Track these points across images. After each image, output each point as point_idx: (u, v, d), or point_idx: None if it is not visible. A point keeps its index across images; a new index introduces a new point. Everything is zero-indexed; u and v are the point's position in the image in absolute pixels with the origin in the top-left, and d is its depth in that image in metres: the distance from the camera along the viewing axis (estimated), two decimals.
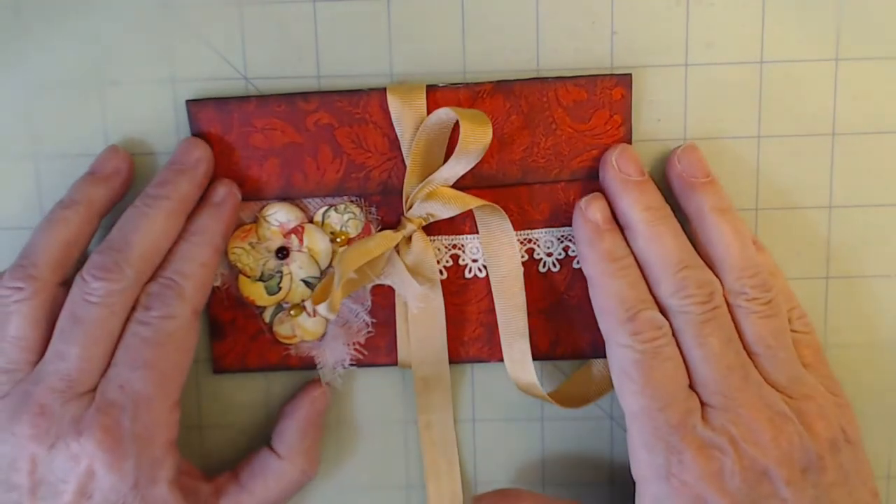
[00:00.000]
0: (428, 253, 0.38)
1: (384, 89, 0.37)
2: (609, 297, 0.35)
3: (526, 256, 0.39)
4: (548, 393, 0.38)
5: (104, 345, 0.35)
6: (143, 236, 0.35)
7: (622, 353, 0.35)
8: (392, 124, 0.37)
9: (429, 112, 0.36)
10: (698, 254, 0.36)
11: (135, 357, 0.34)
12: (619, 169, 0.36)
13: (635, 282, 0.35)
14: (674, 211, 0.36)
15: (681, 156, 0.37)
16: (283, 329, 0.39)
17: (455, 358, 0.39)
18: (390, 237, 0.37)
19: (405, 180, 0.37)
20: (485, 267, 0.39)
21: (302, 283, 0.38)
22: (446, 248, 0.39)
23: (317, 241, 0.38)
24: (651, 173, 0.38)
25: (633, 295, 0.35)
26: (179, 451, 0.36)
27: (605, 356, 0.39)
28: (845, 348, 0.40)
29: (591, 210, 0.36)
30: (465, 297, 0.39)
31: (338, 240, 0.38)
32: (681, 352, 0.35)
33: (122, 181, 0.38)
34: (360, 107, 0.37)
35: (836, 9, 0.37)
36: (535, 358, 0.38)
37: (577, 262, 0.39)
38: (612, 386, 0.39)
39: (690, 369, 0.35)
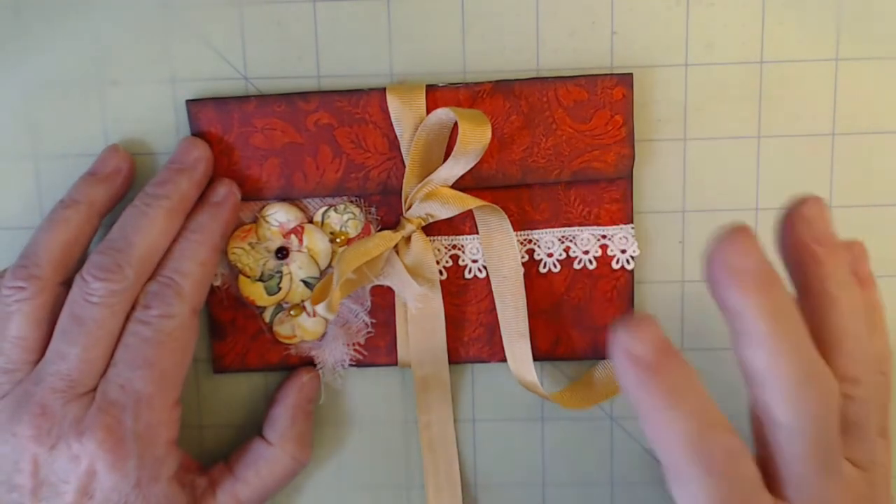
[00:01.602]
0: (427, 253, 0.38)
1: (384, 89, 0.37)
2: (671, 432, 0.29)
3: (526, 257, 0.39)
4: (550, 395, 0.38)
5: (104, 345, 0.35)
6: (144, 236, 0.35)
7: (695, 492, 0.29)
8: (392, 124, 0.37)
9: (428, 112, 0.36)
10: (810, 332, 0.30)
11: (135, 356, 0.35)
12: (732, 265, 0.28)
13: (701, 409, 0.29)
14: None
15: (809, 214, 0.30)
16: (283, 329, 0.39)
17: (455, 358, 0.39)
18: (389, 237, 0.37)
19: (404, 180, 0.37)
20: (485, 267, 0.39)
21: (302, 284, 0.39)
22: (446, 248, 0.39)
23: (316, 242, 0.38)
24: (649, 173, 0.38)
25: (703, 421, 0.29)
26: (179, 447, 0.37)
27: (604, 357, 0.39)
28: None
29: (637, 343, 0.28)
30: (465, 297, 0.39)
31: (337, 240, 0.38)
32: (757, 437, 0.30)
33: (123, 181, 0.38)
34: (360, 107, 0.37)
35: (836, 9, 0.37)
36: (535, 358, 0.38)
37: (578, 264, 0.39)
38: (615, 391, 0.39)
39: (772, 466, 0.30)
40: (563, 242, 0.39)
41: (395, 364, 0.40)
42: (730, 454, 0.29)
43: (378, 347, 0.39)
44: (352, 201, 0.38)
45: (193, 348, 0.36)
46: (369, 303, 0.39)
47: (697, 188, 0.39)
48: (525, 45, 0.38)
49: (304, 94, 0.37)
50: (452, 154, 0.36)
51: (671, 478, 0.30)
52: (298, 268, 0.38)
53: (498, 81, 0.37)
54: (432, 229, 0.38)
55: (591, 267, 0.39)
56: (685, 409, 0.29)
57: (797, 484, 0.30)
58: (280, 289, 0.38)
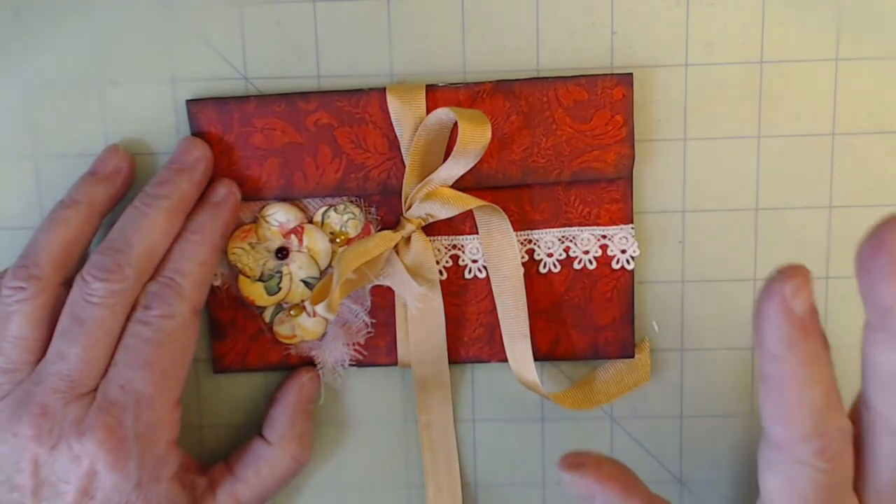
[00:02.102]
0: (427, 253, 0.38)
1: (384, 89, 0.37)
2: (797, 407, 0.28)
3: (526, 257, 0.39)
4: (550, 395, 0.38)
5: (105, 345, 0.35)
6: (144, 236, 0.35)
7: (798, 471, 0.29)
8: (392, 124, 0.37)
9: (428, 112, 0.36)
10: None
11: (135, 357, 0.35)
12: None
13: (830, 387, 0.28)
14: None
15: None
16: (283, 329, 0.39)
17: (455, 358, 0.39)
18: (389, 237, 0.37)
19: (404, 180, 0.37)
20: (485, 267, 0.39)
21: (302, 284, 0.39)
22: (446, 248, 0.39)
23: (316, 242, 0.38)
24: (649, 173, 0.38)
25: (825, 402, 0.28)
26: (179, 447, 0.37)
27: (604, 358, 0.39)
28: (845, 348, 0.40)
29: (799, 301, 0.27)
30: (465, 297, 0.39)
31: (337, 240, 0.38)
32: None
33: (123, 180, 0.38)
34: (360, 107, 0.37)
35: (836, 9, 0.37)
36: (535, 358, 0.38)
37: (578, 264, 0.39)
38: (616, 394, 0.39)
39: (869, 470, 0.30)
40: (563, 242, 0.39)
41: (395, 364, 0.40)
42: (844, 439, 0.29)
43: (378, 347, 0.39)
44: (352, 201, 0.38)
45: (194, 348, 0.36)
46: (369, 303, 0.39)
47: (697, 188, 0.39)
48: (525, 45, 0.38)
49: (304, 94, 0.37)
50: (452, 154, 0.36)
51: (773, 455, 0.29)
52: (298, 268, 0.38)
53: (498, 81, 0.37)
54: (432, 229, 0.38)
55: (591, 267, 0.39)
56: (821, 385, 0.28)
57: (885, 493, 0.29)
58: (280, 289, 0.38)
